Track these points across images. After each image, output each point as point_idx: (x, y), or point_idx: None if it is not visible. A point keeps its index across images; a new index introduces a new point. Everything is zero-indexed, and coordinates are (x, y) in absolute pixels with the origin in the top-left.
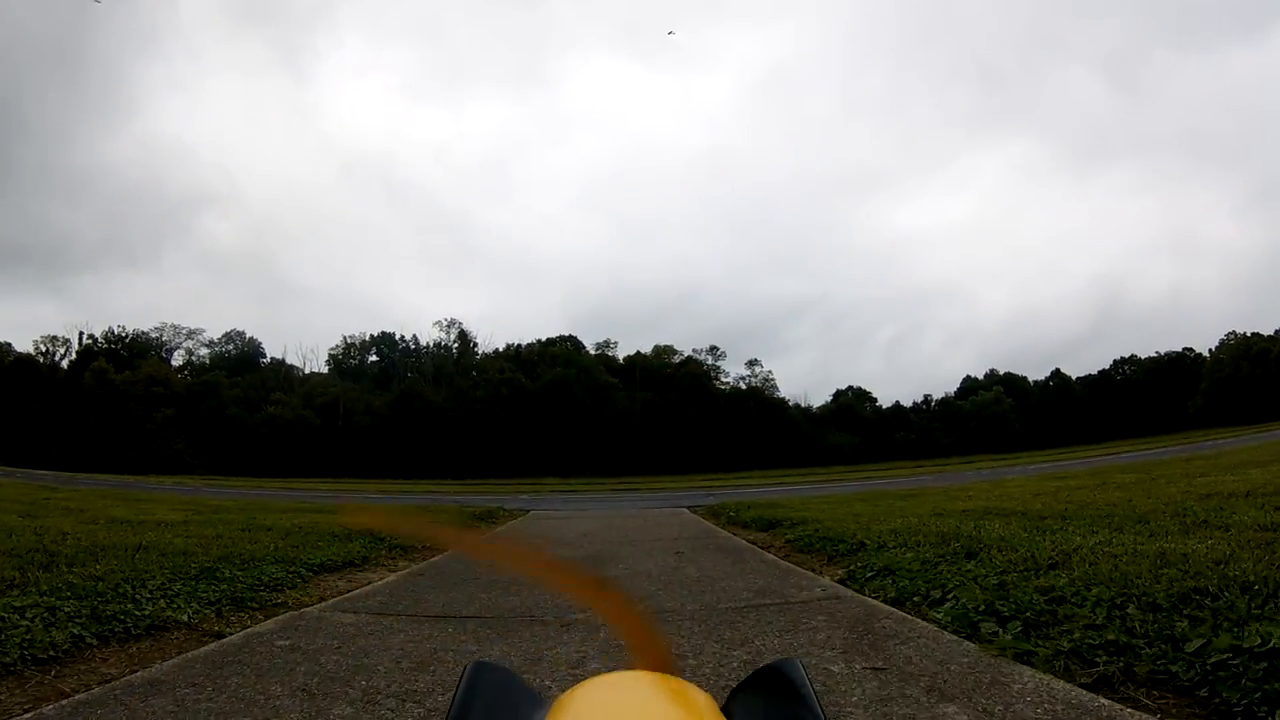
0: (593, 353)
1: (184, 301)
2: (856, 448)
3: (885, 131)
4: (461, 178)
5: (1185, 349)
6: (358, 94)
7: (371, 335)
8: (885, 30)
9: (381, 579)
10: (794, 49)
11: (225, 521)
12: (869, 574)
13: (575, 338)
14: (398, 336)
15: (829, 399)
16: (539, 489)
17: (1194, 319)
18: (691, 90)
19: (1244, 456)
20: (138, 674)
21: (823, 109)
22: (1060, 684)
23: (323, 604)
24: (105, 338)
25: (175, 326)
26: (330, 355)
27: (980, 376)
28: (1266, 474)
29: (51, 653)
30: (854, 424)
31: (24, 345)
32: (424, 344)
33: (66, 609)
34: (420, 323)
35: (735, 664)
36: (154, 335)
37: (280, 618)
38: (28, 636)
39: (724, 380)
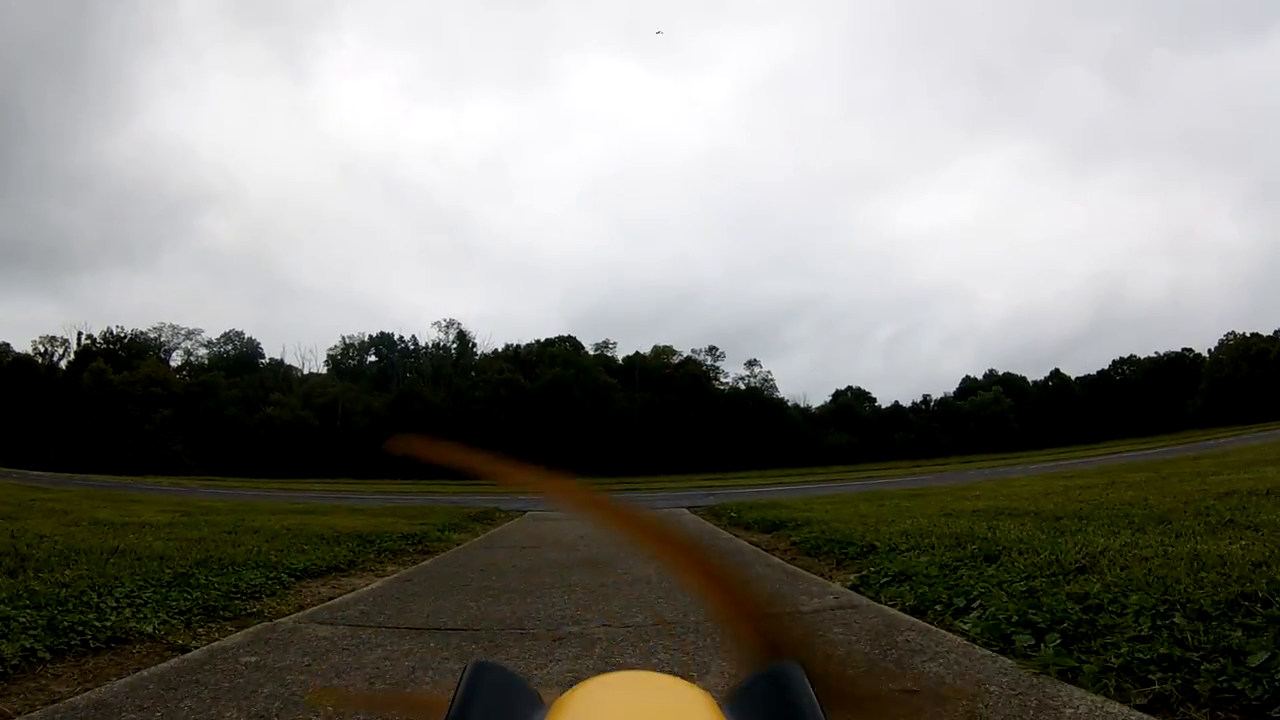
0: (592, 353)
1: (182, 302)
2: (855, 448)
3: (885, 131)
4: (461, 178)
5: (1184, 349)
6: (357, 94)
7: (370, 336)
8: (885, 30)
9: (367, 585)
10: (793, 49)
11: (212, 524)
12: (883, 579)
13: (574, 338)
14: (396, 337)
15: (828, 399)
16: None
17: (1193, 319)
18: (691, 90)
19: (1251, 455)
20: (85, 694)
21: (822, 109)
22: (1116, 706)
23: (300, 613)
24: (104, 338)
25: (174, 327)
26: (329, 355)
27: (979, 376)
28: None
29: None
30: (853, 424)
31: (22, 346)
32: (423, 344)
33: (22, 619)
34: (419, 323)
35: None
36: (152, 336)
37: (251, 630)
38: None
39: (723, 380)
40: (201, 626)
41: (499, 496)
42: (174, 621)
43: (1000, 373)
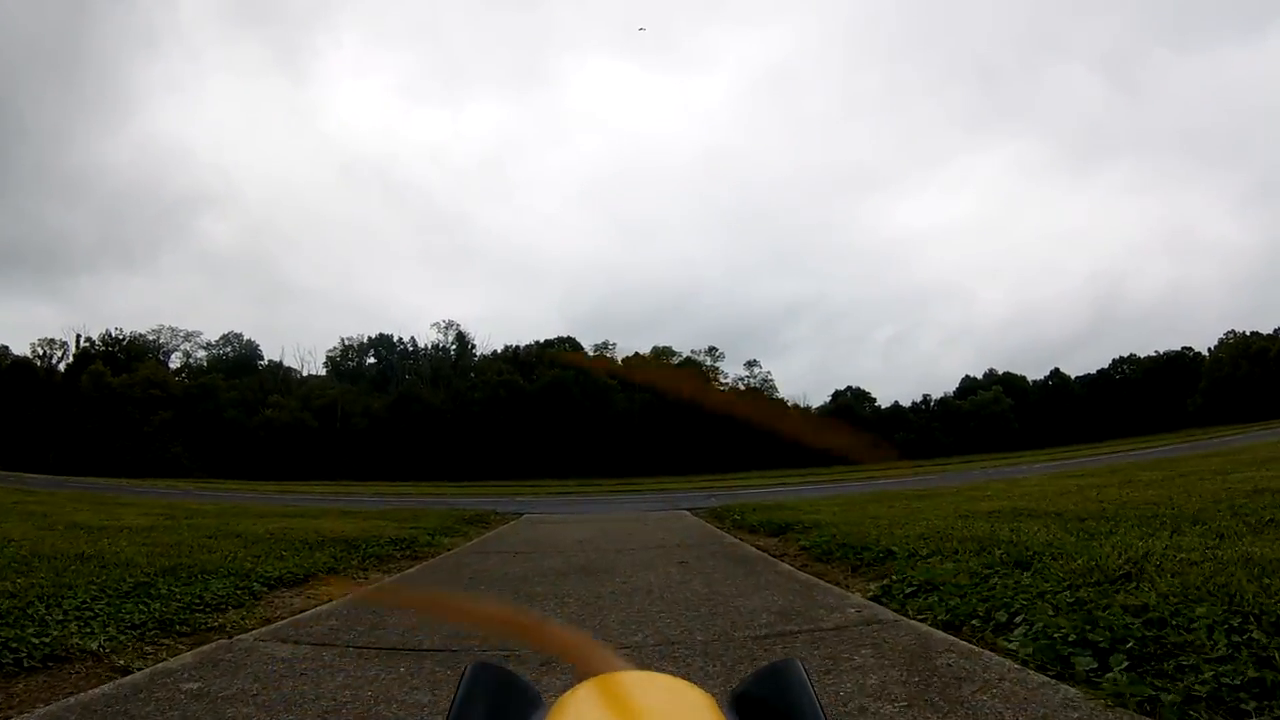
0: (591, 353)
1: (181, 303)
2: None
3: (883, 131)
4: (460, 178)
5: (1184, 348)
6: (356, 94)
7: (369, 337)
8: (883, 29)
9: (345, 595)
10: (792, 48)
11: (195, 527)
12: (908, 589)
13: (574, 339)
14: (395, 338)
15: (828, 399)
16: (537, 491)
17: (1193, 318)
18: (690, 90)
19: (1265, 452)
20: None
21: (821, 108)
22: None
23: (264, 629)
24: (102, 340)
25: (172, 329)
26: (328, 357)
27: (979, 376)
28: None
29: None
30: (853, 424)
31: (21, 348)
32: (422, 346)
33: None
34: (418, 324)
35: None
36: (151, 338)
37: (204, 649)
38: None
39: (723, 381)
40: (153, 644)
41: (499, 498)
42: (123, 638)
43: (1000, 372)
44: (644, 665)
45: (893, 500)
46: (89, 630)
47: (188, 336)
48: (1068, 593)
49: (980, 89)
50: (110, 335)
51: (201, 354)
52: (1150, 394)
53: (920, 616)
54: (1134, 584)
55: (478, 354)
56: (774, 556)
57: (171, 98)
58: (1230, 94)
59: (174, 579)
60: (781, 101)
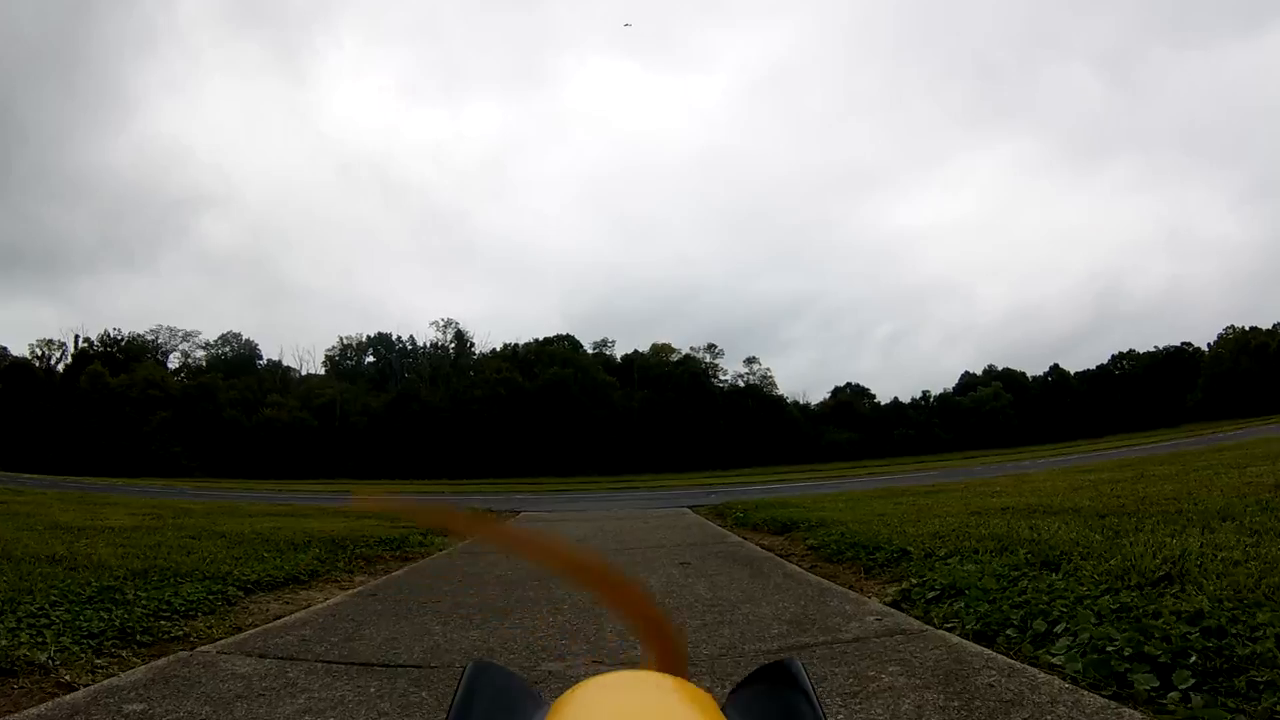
0: (590, 352)
1: (180, 303)
2: (856, 444)
3: (883, 129)
4: (459, 178)
5: (1184, 343)
6: (355, 94)
7: (368, 336)
8: (882, 28)
9: (325, 600)
10: (792, 47)
11: (179, 527)
12: (930, 593)
13: (573, 337)
14: (394, 337)
15: (828, 395)
16: (537, 488)
17: (1192, 314)
18: (689, 89)
19: (1278, 446)
20: None
21: (820, 107)
22: None
23: (231, 639)
24: (101, 340)
25: (171, 329)
26: (327, 356)
27: (979, 372)
28: None
29: None
30: (853, 421)
31: (20, 348)
32: (421, 344)
33: None
34: (417, 323)
35: None
36: (150, 338)
37: (159, 662)
38: None
39: (722, 378)
40: (108, 656)
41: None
42: (76, 648)
43: (1000, 368)
44: None
45: (899, 497)
46: (40, 640)
47: (186, 336)
48: (1108, 597)
49: (979, 87)
50: (109, 335)
51: (200, 354)
52: (1150, 389)
53: (948, 625)
54: (1178, 587)
55: (477, 352)
56: (780, 557)
57: (171, 98)
58: (1229, 91)
59: (144, 582)
60: (781, 100)
